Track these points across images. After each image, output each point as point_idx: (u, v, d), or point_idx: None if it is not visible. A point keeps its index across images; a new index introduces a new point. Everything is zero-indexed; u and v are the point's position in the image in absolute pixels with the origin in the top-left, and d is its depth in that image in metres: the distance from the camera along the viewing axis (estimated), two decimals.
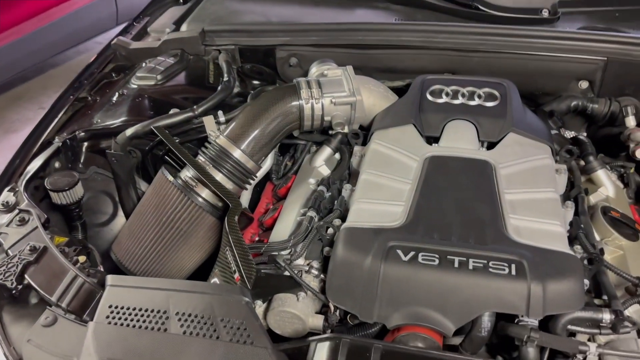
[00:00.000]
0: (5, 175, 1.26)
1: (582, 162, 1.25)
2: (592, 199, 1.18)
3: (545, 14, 1.53)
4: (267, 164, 1.40)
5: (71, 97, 1.48)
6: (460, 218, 1.00)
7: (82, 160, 1.39)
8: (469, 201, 1.03)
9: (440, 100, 1.26)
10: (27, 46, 3.72)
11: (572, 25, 1.51)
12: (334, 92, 1.28)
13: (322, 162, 1.33)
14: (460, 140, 1.17)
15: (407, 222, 1.00)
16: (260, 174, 1.38)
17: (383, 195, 1.07)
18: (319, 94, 1.26)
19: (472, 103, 1.24)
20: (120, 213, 1.40)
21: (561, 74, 1.38)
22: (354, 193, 1.10)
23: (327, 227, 1.06)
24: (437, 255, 0.91)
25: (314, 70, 1.40)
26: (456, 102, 1.25)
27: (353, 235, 0.98)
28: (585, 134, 1.41)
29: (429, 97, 1.26)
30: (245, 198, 1.39)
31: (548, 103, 1.40)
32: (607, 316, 0.88)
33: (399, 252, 0.92)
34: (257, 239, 1.28)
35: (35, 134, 1.36)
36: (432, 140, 1.21)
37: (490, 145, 1.19)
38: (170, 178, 1.19)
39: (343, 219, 1.08)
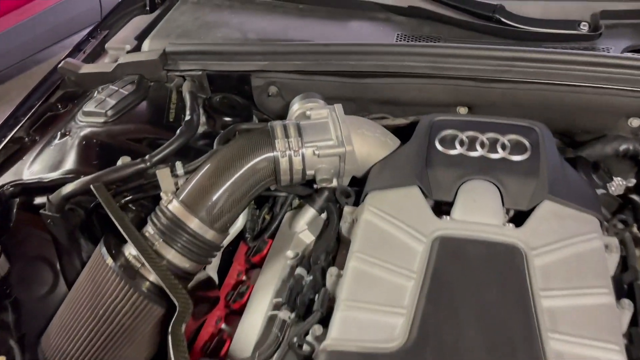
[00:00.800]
0: None
1: (638, 234, 0.97)
2: None
3: (584, 28, 1.24)
4: (240, 222, 1.14)
5: (3, 138, 1.23)
6: (482, 339, 0.73)
7: (12, 221, 1.14)
8: (494, 310, 0.76)
9: (453, 152, 0.98)
10: (5, 43, 3.47)
11: (618, 42, 1.21)
12: (318, 140, 1.01)
13: (305, 226, 1.07)
14: (479, 211, 0.90)
15: (409, 343, 0.74)
16: (232, 234, 1.13)
17: (378, 295, 0.81)
18: (298, 144, 1.00)
19: (494, 156, 0.96)
20: (62, 283, 1.15)
21: (607, 110, 1.10)
22: (341, 288, 0.84)
23: (302, 344, 0.80)
24: None
25: (296, 107, 1.12)
26: (474, 154, 0.97)
27: None
28: (634, 182, 1.13)
29: (439, 147, 0.99)
30: (213, 266, 1.14)
31: (589, 145, 1.12)
32: None
33: None
34: (223, 326, 1.03)
35: None
36: (442, 207, 0.95)
37: (518, 217, 0.91)
38: (109, 261, 0.94)
39: (325, 321, 0.82)
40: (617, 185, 1.12)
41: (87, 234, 1.16)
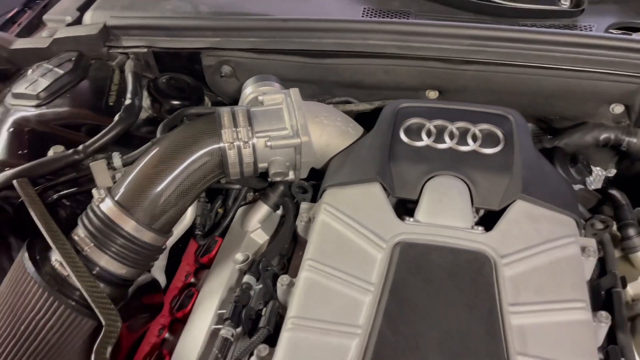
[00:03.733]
0: None
1: (617, 233, 0.90)
2: (631, 290, 0.84)
3: (565, 4, 1.14)
4: (188, 217, 1.04)
5: None
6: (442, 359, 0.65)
7: None
8: (459, 332, 0.68)
9: (419, 144, 0.89)
10: None
11: (601, 20, 1.12)
12: (271, 129, 0.90)
13: (257, 224, 0.98)
14: (446, 212, 0.81)
15: None
16: (178, 231, 1.03)
17: (331, 311, 0.72)
18: (248, 134, 0.89)
19: (464, 149, 0.87)
20: None
21: (588, 95, 1.01)
22: (291, 301, 0.75)
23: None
24: None
25: (248, 91, 1.01)
26: (442, 146, 0.88)
27: None
28: (614, 172, 1.05)
29: (404, 138, 0.89)
30: (158, 268, 1.04)
31: (567, 133, 1.03)
32: None
33: None
34: (166, 335, 0.94)
35: None
36: (407, 205, 0.85)
37: (489, 217, 0.83)
38: (30, 269, 0.83)
39: (273, 338, 0.73)
40: (596, 176, 1.05)
41: (18, 233, 1.04)
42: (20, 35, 1.29)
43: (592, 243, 0.82)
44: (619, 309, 0.78)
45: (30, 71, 1.18)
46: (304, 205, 0.93)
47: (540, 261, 0.75)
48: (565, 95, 1.01)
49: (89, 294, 0.77)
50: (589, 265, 0.81)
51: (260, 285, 0.84)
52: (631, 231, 0.87)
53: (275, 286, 0.82)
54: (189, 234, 1.07)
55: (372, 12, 1.19)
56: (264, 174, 0.98)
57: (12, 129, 1.06)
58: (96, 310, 0.75)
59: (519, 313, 0.70)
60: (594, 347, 0.68)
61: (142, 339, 0.92)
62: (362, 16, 1.17)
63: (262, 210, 0.98)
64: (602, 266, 0.85)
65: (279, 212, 1.00)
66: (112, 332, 0.73)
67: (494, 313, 0.69)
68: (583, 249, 0.80)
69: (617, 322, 0.76)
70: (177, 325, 0.94)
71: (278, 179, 0.93)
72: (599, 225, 0.86)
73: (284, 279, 0.81)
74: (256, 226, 0.97)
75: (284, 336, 0.70)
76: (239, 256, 0.91)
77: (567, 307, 0.70)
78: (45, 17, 1.33)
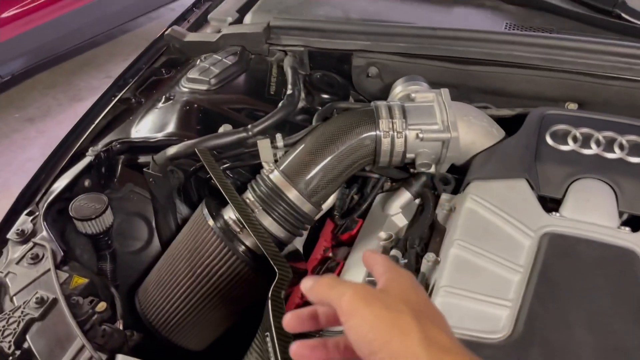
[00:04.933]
0: (27, 193, 1.09)
1: None
2: None
3: None
4: (330, 198, 1.15)
5: (113, 97, 1.29)
6: (593, 341, 0.70)
7: (117, 176, 1.19)
8: (606, 315, 0.73)
9: (565, 148, 0.94)
10: (97, 12, 3.64)
11: None
12: (423, 123, 0.99)
13: (399, 209, 1.06)
14: (592, 211, 0.86)
15: (515, 336, 0.72)
16: (324, 208, 1.14)
17: (481, 285, 0.79)
18: (402, 126, 0.98)
19: (610, 156, 0.92)
20: (156, 240, 1.21)
21: None
22: (440, 273, 0.83)
23: None
24: None
25: (399, 89, 1.11)
26: (588, 152, 0.93)
27: None
28: None
29: (550, 142, 0.95)
30: (300, 240, 1.15)
31: None
32: None
33: None
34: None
35: (67, 143, 1.18)
36: (548, 203, 0.91)
37: (634, 222, 0.87)
38: (211, 222, 0.97)
39: None
40: None
41: (183, 197, 1.20)
42: (190, 30, 1.48)
43: None
44: None
45: (199, 61, 1.36)
46: (444, 196, 1.01)
47: None
48: None
49: (264, 246, 0.89)
50: None
51: (405, 260, 0.92)
52: None
53: (418, 264, 0.90)
54: (324, 215, 1.18)
55: (514, 27, 1.26)
56: (407, 165, 1.07)
57: (187, 107, 1.22)
58: (271, 261, 0.87)
59: None
60: None
61: (288, 300, 1.03)
62: (505, 29, 1.25)
63: (404, 196, 1.07)
64: None
65: (417, 201, 1.09)
66: (284, 280, 0.84)
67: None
68: None
69: None
70: None
71: (423, 169, 1.02)
72: None
73: (429, 256, 0.89)
74: (397, 211, 1.06)
75: (436, 301, 0.78)
76: (383, 234, 1.01)
77: None
78: (210, 16, 1.52)
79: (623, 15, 1.19)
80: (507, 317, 0.75)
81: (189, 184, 1.17)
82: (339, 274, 1.00)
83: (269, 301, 0.82)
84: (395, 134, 0.99)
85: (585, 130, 0.95)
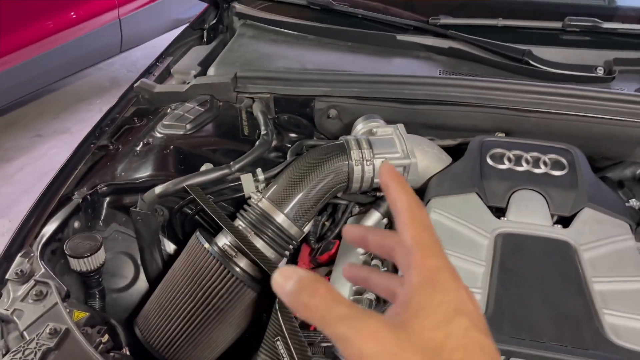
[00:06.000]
0: (19, 238, 1.12)
1: None
2: None
3: (600, 72, 1.45)
4: (307, 227, 1.28)
5: (91, 145, 1.36)
6: (549, 313, 0.88)
7: (102, 218, 1.25)
8: (556, 291, 0.91)
9: (502, 166, 1.15)
10: (27, 72, 3.59)
11: (629, 85, 1.42)
12: (387, 152, 1.17)
13: None
14: (531, 215, 1.06)
15: (488, 315, 0.88)
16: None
17: None
18: (370, 155, 1.15)
19: (537, 171, 1.14)
20: (142, 277, 1.27)
21: (625, 139, 1.29)
22: None
23: None
24: None
25: (360, 126, 1.29)
26: (520, 169, 1.14)
27: None
28: None
29: (490, 162, 1.16)
30: (281, 263, 1.27)
31: (610, 169, 1.30)
32: None
33: None
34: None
35: (53, 187, 1.23)
36: (495, 212, 1.10)
37: (562, 221, 1.08)
38: (207, 246, 1.06)
39: None
40: (635, 205, 1.30)
41: (168, 233, 1.28)
42: (156, 82, 1.59)
43: None
44: None
45: (169, 109, 1.47)
46: None
47: (608, 249, 0.99)
48: (609, 138, 1.29)
49: (262, 261, 1.00)
50: None
51: (385, 268, 1.07)
52: None
53: (396, 271, 1.05)
54: (301, 241, 1.30)
55: (446, 73, 1.50)
56: (375, 189, 1.24)
57: (166, 151, 1.32)
58: (271, 273, 0.98)
59: (598, 282, 0.93)
60: None
61: None
62: (440, 75, 1.48)
63: (374, 216, 1.22)
64: None
65: (385, 220, 1.24)
66: None
67: (580, 282, 0.93)
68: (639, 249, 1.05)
69: None
70: None
71: None
72: None
73: None
74: None
75: None
76: (361, 250, 1.15)
77: (633, 280, 0.94)
78: (173, 69, 1.64)
79: (530, 62, 1.47)
80: (479, 301, 0.90)
81: (175, 220, 1.26)
82: None
83: (277, 308, 0.92)
84: (365, 162, 1.15)
85: (516, 152, 1.17)
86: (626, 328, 0.86)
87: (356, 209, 1.31)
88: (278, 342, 0.90)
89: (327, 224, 1.33)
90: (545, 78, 1.45)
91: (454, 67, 1.53)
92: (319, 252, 1.25)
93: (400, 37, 1.60)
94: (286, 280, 0.44)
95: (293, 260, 1.30)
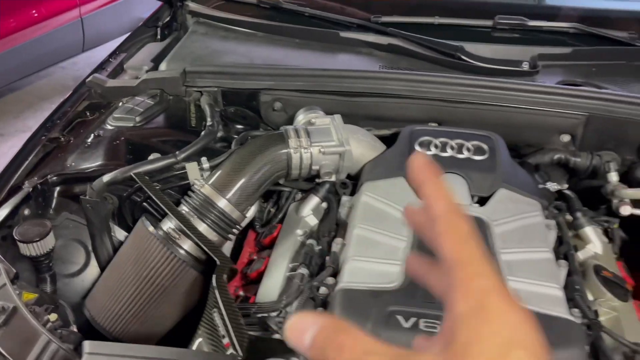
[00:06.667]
0: None
1: (569, 218, 1.26)
2: (581, 255, 1.19)
3: (525, 66, 1.56)
4: (252, 212, 1.35)
5: (43, 137, 1.40)
6: None
7: (53, 206, 1.30)
8: None
9: (429, 153, 1.25)
10: None
11: (551, 78, 1.54)
12: (323, 141, 1.26)
13: (310, 211, 1.30)
14: (452, 194, 1.16)
15: (405, 284, 0.97)
16: (246, 220, 1.34)
17: (378, 252, 1.04)
18: (307, 143, 1.24)
19: (460, 156, 1.24)
20: (93, 263, 1.32)
21: (544, 127, 1.40)
22: (347, 249, 1.07)
23: (320, 287, 1.02)
24: (438, 322, 0.88)
25: (301, 117, 1.37)
26: (445, 154, 1.24)
27: (351, 299, 0.94)
28: (567, 186, 1.43)
29: (418, 149, 1.25)
30: (227, 247, 1.34)
31: (531, 155, 1.41)
32: None
33: (400, 318, 0.89)
34: (241, 293, 1.22)
35: (4, 177, 1.27)
36: None
37: (481, 201, 1.18)
38: (152, 229, 1.13)
39: (335, 276, 1.04)
40: (552, 188, 1.41)
41: (118, 220, 1.34)
42: (109, 77, 1.64)
43: (552, 222, 1.18)
44: (573, 264, 1.12)
45: (121, 103, 1.53)
46: (345, 198, 1.27)
47: (518, 224, 1.10)
48: (531, 127, 1.40)
49: (204, 243, 1.07)
50: (551, 236, 1.16)
51: (320, 247, 1.15)
52: (578, 214, 1.23)
53: (330, 249, 1.14)
54: (248, 227, 1.38)
55: (386, 68, 1.59)
56: (310, 178, 1.32)
57: (116, 142, 1.38)
58: (211, 253, 1.05)
59: (505, 253, 1.03)
60: (558, 274, 1.01)
61: None
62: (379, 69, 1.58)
63: (313, 201, 1.30)
64: (560, 240, 1.20)
65: (324, 204, 1.33)
66: (224, 266, 1.03)
67: (489, 252, 1.03)
68: (546, 226, 1.16)
69: (572, 271, 1.10)
70: (250, 287, 1.22)
71: (327, 178, 1.27)
72: (555, 211, 1.22)
73: (338, 240, 1.13)
74: (309, 213, 1.29)
75: (346, 266, 1.01)
76: (299, 231, 1.23)
77: (538, 251, 1.04)
78: (126, 65, 1.70)
79: (462, 57, 1.58)
80: (398, 272, 1.00)
81: (124, 207, 1.32)
82: (264, 269, 1.19)
83: (214, 282, 1.00)
84: (303, 150, 1.23)
85: (442, 139, 1.27)
86: (526, 292, 0.96)
87: (299, 196, 1.39)
88: (214, 314, 0.97)
89: (273, 210, 1.41)
90: (476, 72, 1.56)
91: (394, 62, 1.62)
92: (262, 236, 1.32)
93: (343, 34, 1.69)
94: (302, 334, 0.38)
95: (239, 245, 1.37)
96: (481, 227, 1.08)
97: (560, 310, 0.92)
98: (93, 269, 1.32)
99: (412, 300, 0.93)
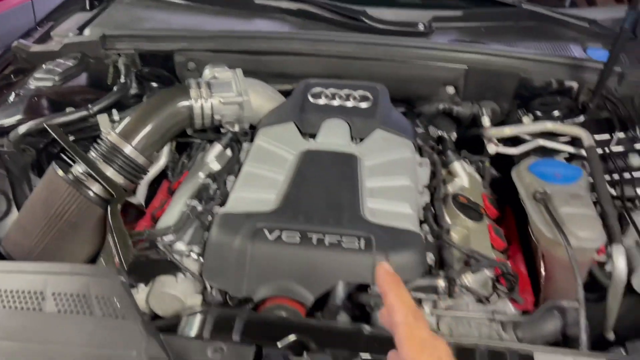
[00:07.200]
0: None
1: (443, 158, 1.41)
2: (450, 188, 1.34)
3: (421, 27, 1.70)
4: (162, 161, 1.48)
5: None
6: (324, 203, 1.12)
7: None
8: (334, 189, 1.15)
9: (320, 102, 1.38)
10: None
11: (444, 38, 1.68)
12: (223, 92, 1.38)
13: (213, 158, 1.42)
14: (334, 137, 1.30)
15: (277, 208, 1.11)
16: (156, 171, 1.46)
17: (260, 185, 1.17)
18: (207, 94, 1.36)
19: (348, 104, 1.38)
20: (15, 211, 1.42)
21: (430, 80, 1.55)
22: (236, 183, 1.20)
23: (208, 215, 1.15)
24: (299, 234, 1.02)
25: (207, 72, 1.49)
26: (334, 103, 1.38)
27: (227, 220, 1.08)
28: (455, 134, 1.58)
29: (310, 99, 1.39)
30: (141, 194, 1.46)
31: (420, 106, 1.57)
32: (442, 283, 1.02)
33: (265, 232, 1.03)
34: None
35: None
36: (311, 138, 1.34)
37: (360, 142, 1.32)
38: (60, 172, 1.24)
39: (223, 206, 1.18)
40: (435, 134, 1.55)
41: (37, 171, 1.44)
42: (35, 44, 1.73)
43: (425, 159, 1.33)
44: (437, 193, 1.27)
45: (44, 65, 1.62)
46: (245, 144, 1.40)
47: (388, 158, 1.24)
48: (417, 80, 1.55)
49: (103, 179, 1.19)
50: (425, 173, 1.31)
51: (216, 186, 1.28)
52: (449, 152, 1.38)
53: (225, 187, 1.27)
54: (161, 177, 1.50)
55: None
56: (218, 130, 1.44)
57: (35, 98, 1.48)
58: (107, 187, 1.17)
59: (370, 181, 1.18)
60: (414, 198, 1.16)
61: None
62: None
63: (217, 148, 1.42)
64: (434, 176, 1.35)
65: (228, 152, 1.45)
66: (119, 198, 1.15)
67: (355, 181, 1.17)
68: (420, 163, 1.31)
69: (435, 198, 1.25)
70: None
71: (229, 127, 1.40)
72: (428, 150, 1.38)
73: (231, 178, 1.26)
74: (212, 159, 1.42)
75: (231, 197, 1.15)
76: (201, 174, 1.36)
77: (400, 179, 1.19)
78: (53, 32, 1.79)
79: (365, 20, 1.71)
80: (274, 199, 1.13)
81: (42, 159, 1.42)
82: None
83: (108, 211, 1.12)
84: (203, 100, 1.35)
85: (333, 90, 1.41)
86: (381, 211, 1.11)
87: (208, 146, 1.51)
88: (109, 237, 1.10)
89: (186, 162, 1.53)
90: (376, 32, 1.69)
91: (303, 26, 1.75)
92: (172, 182, 1.45)
93: (258, 0, 1.81)
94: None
95: (154, 193, 1.49)
96: (352, 161, 1.22)
97: (406, 224, 1.07)
98: (14, 216, 1.42)
99: (280, 218, 1.06)
